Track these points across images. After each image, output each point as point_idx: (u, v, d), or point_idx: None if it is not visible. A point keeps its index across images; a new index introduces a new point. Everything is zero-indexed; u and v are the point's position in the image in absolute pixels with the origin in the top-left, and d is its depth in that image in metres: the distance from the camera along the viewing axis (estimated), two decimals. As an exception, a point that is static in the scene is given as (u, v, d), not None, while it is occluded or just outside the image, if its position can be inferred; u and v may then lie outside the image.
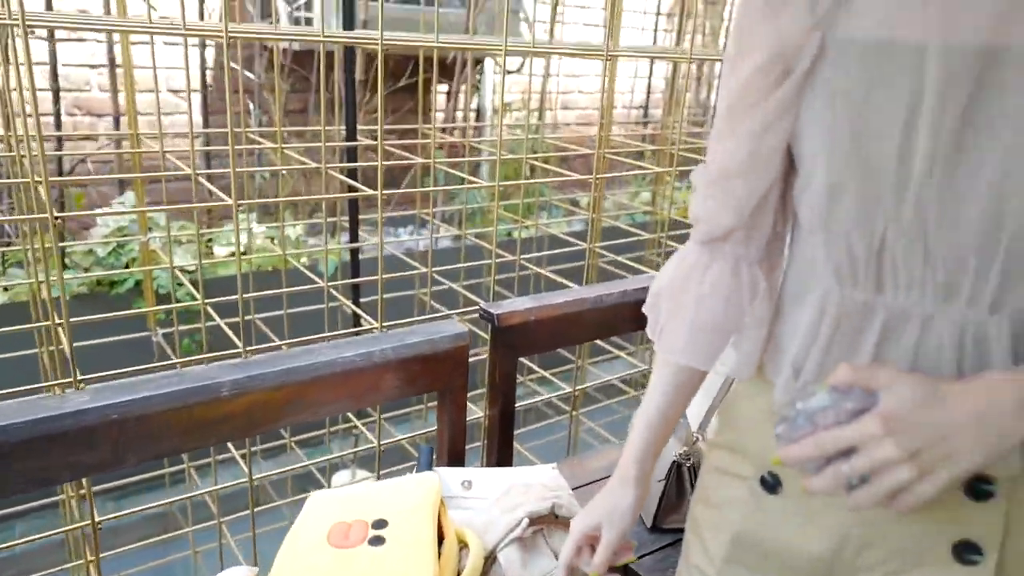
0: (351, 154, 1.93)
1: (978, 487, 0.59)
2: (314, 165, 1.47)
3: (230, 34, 1.04)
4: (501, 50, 1.32)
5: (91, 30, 2.36)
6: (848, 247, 0.59)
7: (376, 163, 1.17)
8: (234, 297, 1.23)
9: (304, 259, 2.56)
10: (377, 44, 1.13)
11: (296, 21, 2.74)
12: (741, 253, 0.69)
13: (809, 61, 0.58)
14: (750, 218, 0.67)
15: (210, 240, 2.54)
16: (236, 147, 1.11)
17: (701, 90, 4.32)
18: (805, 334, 0.63)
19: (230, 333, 1.40)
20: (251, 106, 2.74)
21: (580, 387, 1.85)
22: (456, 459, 1.26)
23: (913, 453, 0.52)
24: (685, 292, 0.72)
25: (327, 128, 1.51)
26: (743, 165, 0.64)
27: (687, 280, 0.71)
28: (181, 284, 2.08)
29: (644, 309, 0.77)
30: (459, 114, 3.52)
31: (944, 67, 0.51)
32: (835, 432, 0.55)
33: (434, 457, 1.19)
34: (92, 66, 2.56)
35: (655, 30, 4.00)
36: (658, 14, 3.93)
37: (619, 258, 2.23)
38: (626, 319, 1.47)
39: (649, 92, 4.21)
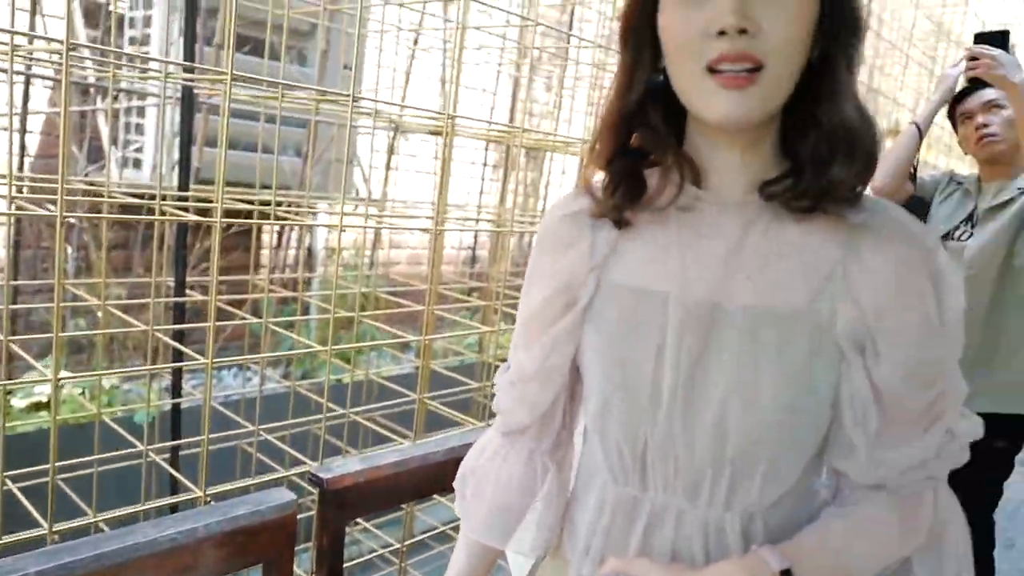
0: (179, 306, 1.91)
1: None
2: (140, 327, 1.46)
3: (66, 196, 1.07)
4: (337, 225, 1.42)
5: None
6: (619, 451, 0.71)
7: (207, 324, 1.20)
8: (40, 467, 1.17)
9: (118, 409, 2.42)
10: (215, 205, 1.19)
11: (127, 162, 2.71)
12: (534, 446, 0.80)
13: (588, 297, 0.72)
14: (542, 416, 0.78)
15: (9, 392, 2.35)
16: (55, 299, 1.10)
17: (523, 241, 4.65)
18: (591, 519, 0.74)
19: (34, 511, 1.31)
20: (69, 249, 2.63)
21: (409, 541, 1.87)
22: (281, 630, 1.24)
23: None
24: (486, 476, 0.81)
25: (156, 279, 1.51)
26: (536, 373, 0.76)
27: (488, 466, 0.82)
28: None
29: (455, 484, 0.86)
30: (292, 252, 3.55)
31: (681, 313, 0.66)
32: None
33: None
34: None
35: (482, 179, 4.30)
36: (484, 164, 4.25)
37: (443, 408, 2.31)
38: (453, 475, 1.53)
39: (476, 237, 4.47)
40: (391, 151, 2.95)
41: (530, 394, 0.78)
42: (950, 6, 4.95)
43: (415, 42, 2.93)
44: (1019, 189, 1.96)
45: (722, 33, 0.59)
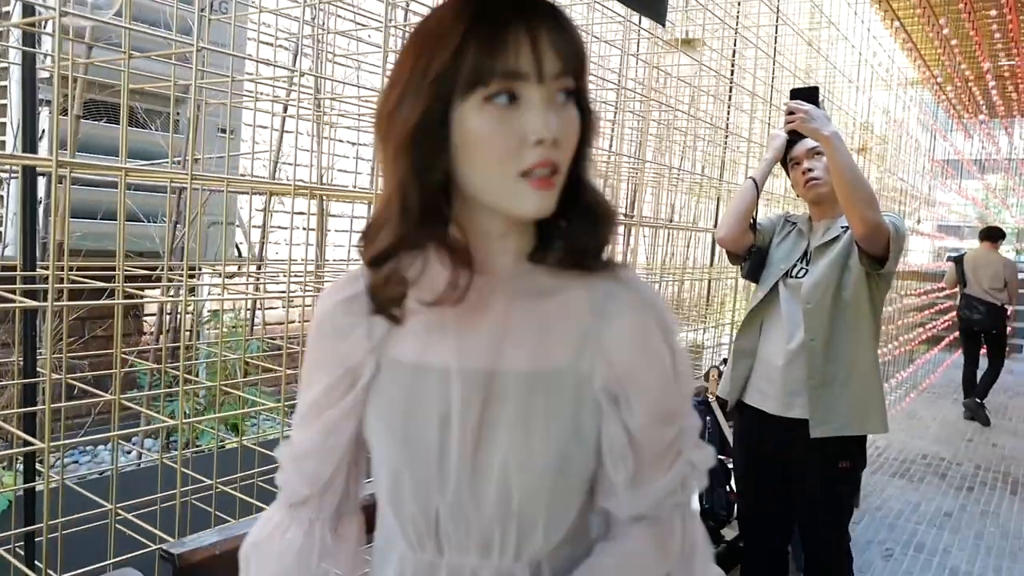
0: (30, 388, 1.84)
1: None
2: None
3: None
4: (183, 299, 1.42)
5: None
6: (413, 521, 0.75)
7: (43, 407, 1.18)
8: None
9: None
10: (48, 286, 1.17)
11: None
12: (315, 516, 0.82)
13: (369, 376, 0.76)
14: (323, 488, 0.81)
15: None
16: None
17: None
18: None
19: None
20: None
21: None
22: None
23: None
24: (269, 548, 0.82)
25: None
26: (317, 451, 0.80)
27: (271, 537, 0.83)
28: None
29: (240, 563, 0.84)
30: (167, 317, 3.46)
31: (462, 384, 0.72)
32: None
33: None
34: None
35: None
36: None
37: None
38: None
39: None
40: (266, 214, 2.95)
41: (310, 469, 0.80)
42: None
43: (284, 109, 2.96)
44: (843, 227, 2.14)
45: (539, 142, 0.66)
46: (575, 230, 0.73)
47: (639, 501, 0.76)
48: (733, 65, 4.45)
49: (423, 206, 0.70)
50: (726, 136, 4.41)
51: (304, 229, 3.00)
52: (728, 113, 4.53)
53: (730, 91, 4.46)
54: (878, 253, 2.03)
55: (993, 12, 5.91)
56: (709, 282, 4.89)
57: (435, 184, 0.69)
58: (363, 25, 2.37)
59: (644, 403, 0.74)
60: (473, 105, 0.67)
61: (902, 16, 6.22)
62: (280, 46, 2.63)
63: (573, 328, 0.74)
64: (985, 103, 9.21)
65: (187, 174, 1.53)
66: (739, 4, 4.37)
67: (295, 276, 2.42)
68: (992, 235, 6.40)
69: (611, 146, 4.04)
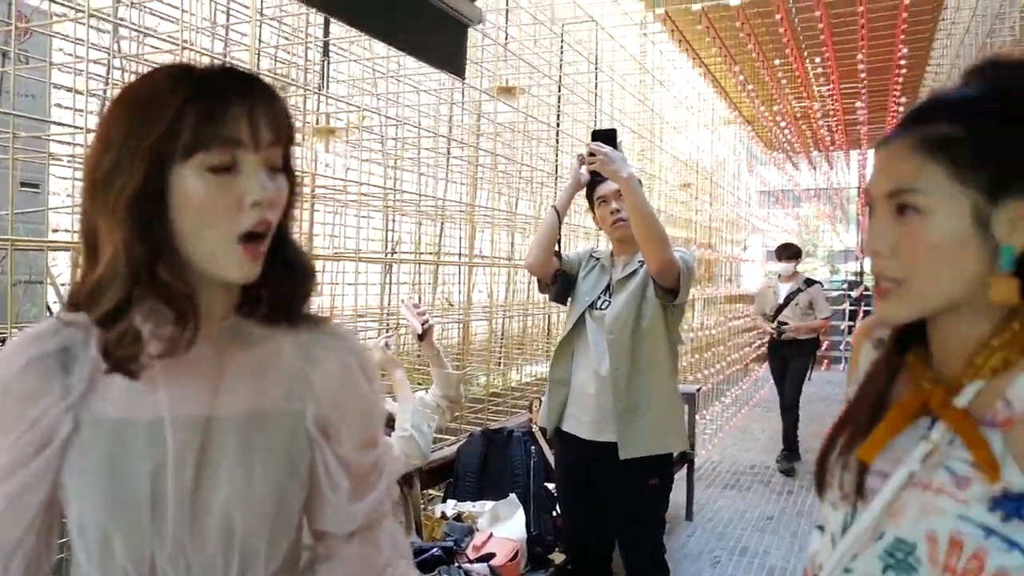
0: None
1: None
2: None
3: None
4: None
5: None
6: (125, 573, 0.76)
7: None
8: None
9: None
10: None
11: None
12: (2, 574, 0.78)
13: (65, 434, 0.74)
14: (8, 554, 0.76)
15: None
16: None
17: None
18: None
19: None
20: None
21: None
22: None
23: None
24: None
25: None
26: (2, 514, 0.75)
27: None
28: None
29: None
30: None
31: (177, 431, 0.75)
32: None
33: None
34: None
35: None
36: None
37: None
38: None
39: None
40: (74, 270, 2.81)
41: None
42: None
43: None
44: (640, 262, 2.33)
45: (256, 204, 0.73)
46: (279, 286, 0.81)
47: (357, 514, 0.85)
48: (559, 111, 4.72)
49: (148, 264, 0.73)
50: (555, 178, 4.65)
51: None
52: (557, 155, 4.79)
53: (557, 136, 4.72)
54: (671, 286, 2.22)
55: (777, 60, 6.62)
56: (548, 316, 5.10)
57: (157, 244, 0.73)
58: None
59: (352, 433, 0.84)
60: (192, 170, 0.72)
61: (707, 62, 6.85)
62: (86, 93, 2.54)
63: (284, 372, 0.82)
64: (788, 140, 10.21)
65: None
66: (561, 53, 4.68)
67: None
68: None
69: (445, 192, 4.18)
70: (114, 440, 0.75)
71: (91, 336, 0.76)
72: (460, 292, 4.56)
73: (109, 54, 2.52)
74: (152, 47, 2.63)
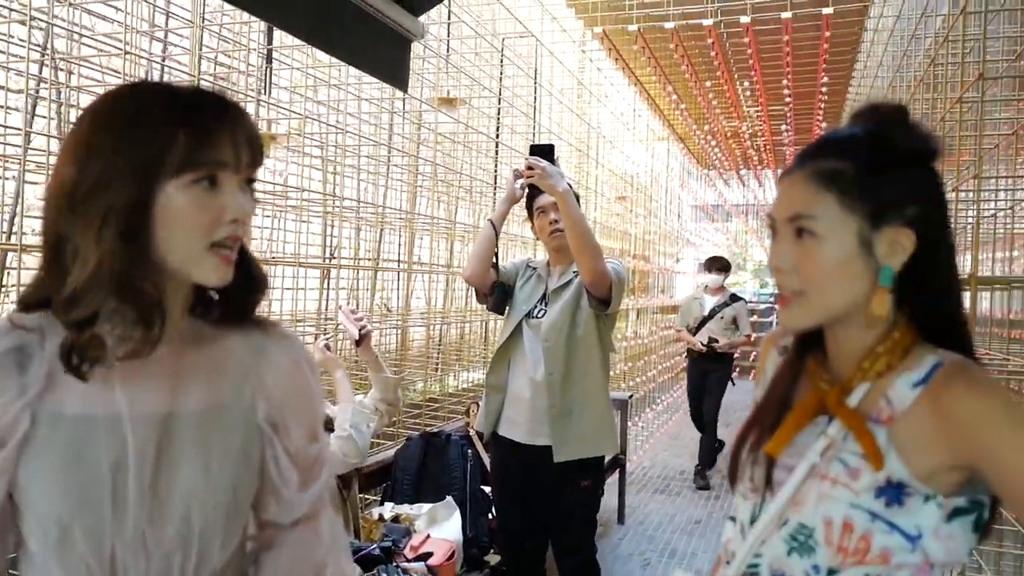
0: None
1: None
2: None
3: None
4: None
5: None
6: (86, 565, 0.78)
7: None
8: None
9: None
10: None
11: None
12: None
13: (23, 433, 0.76)
14: None
15: None
16: None
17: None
18: None
19: None
20: None
21: None
22: None
23: None
24: None
25: None
26: None
27: None
28: None
29: None
30: None
31: (137, 428, 0.79)
32: None
33: None
34: None
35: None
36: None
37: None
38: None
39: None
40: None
41: None
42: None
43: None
44: (574, 272, 2.42)
45: (233, 220, 0.80)
46: (238, 293, 0.87)
47: (303, 503, 0.90)
48: (499, 123, 4.81)
49: (130, 273, 0.77)
50: (495, 188, 4.73)
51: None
52: (496, 166, 4.87)
53: (496, 147, 4.80)
54: (603, 296, 2.32)
55: (709, 82, 6.89)
56: (486, 324, 5.16)
57: (139, 254, 0.78)
58: (107, 84, 2.33)
59: (299, 427, 0.90)
60: (180, 186, 0.77)
61: (643, 80, 7.06)
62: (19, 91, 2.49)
63: (237, 370, 0.87)
64: (719, 158, 10.58)
65: None
66: (501, 67, 4.77)
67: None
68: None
69: (385, 199, 4.20)
70: (74, 436, 0.78)
71: (46, 336, 0.79)
72: (399, 298, 4.60)
73: (41, 53, 2.48)
74: (89, 46, 2.59)
